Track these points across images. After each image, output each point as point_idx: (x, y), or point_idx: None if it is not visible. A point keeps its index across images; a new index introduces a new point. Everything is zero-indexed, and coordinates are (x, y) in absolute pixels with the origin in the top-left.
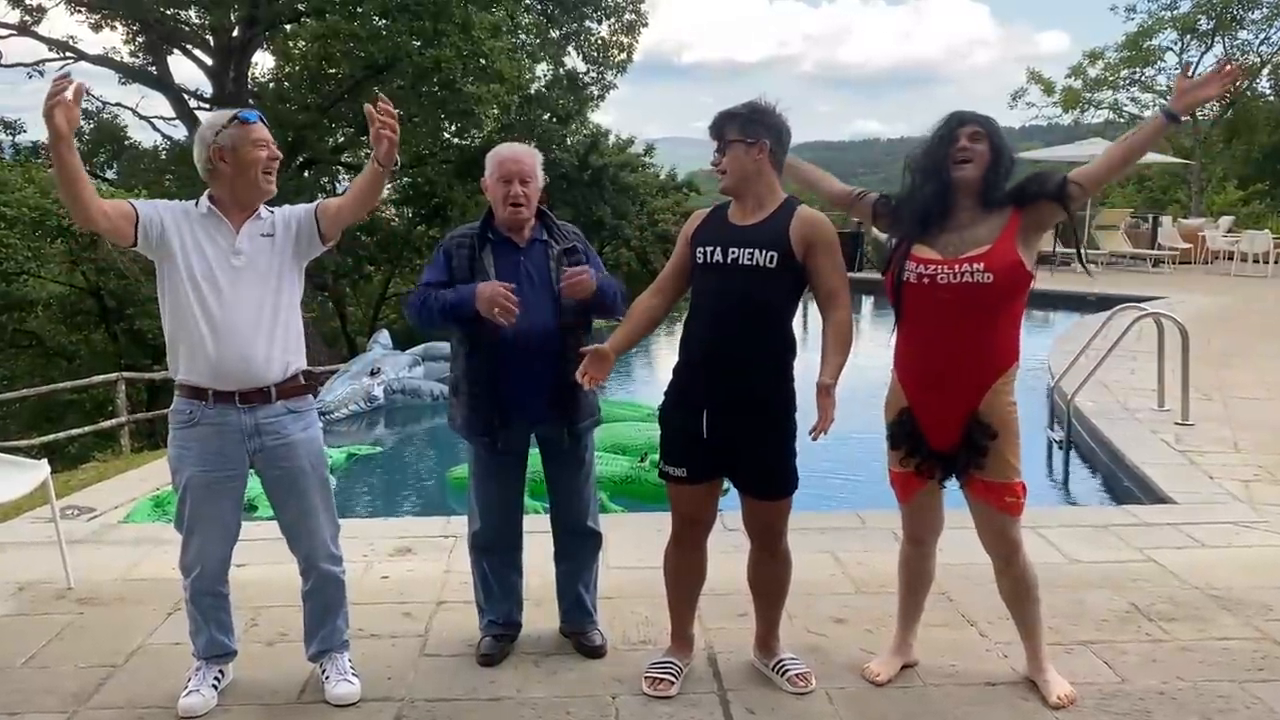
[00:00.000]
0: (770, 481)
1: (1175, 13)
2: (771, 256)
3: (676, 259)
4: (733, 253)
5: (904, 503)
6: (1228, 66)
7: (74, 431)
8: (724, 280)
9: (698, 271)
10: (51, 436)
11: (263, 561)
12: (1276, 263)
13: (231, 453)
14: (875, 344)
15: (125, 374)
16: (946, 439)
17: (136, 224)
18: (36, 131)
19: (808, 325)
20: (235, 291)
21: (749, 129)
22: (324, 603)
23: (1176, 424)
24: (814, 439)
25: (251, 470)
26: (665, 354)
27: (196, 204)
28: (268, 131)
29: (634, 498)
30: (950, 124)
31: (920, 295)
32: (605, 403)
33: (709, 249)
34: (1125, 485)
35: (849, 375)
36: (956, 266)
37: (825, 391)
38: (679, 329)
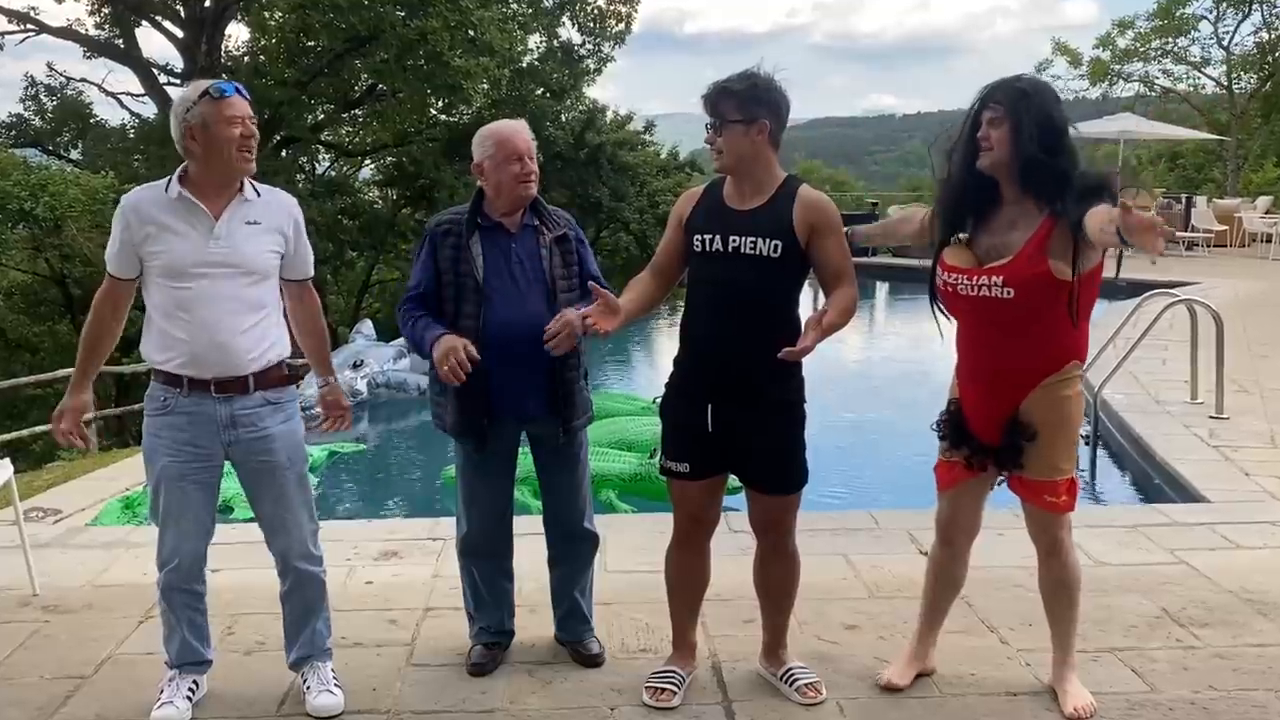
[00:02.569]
0: (779, 476)
1: None
2: (776, 245)
3: (670, 242)
4: (734, 241)
5: (943, 491)
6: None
7: (38, 429)
8: (725, 270)
9: (695, 260)
10: (14, 434)
11: (238, 566)
12: None
13: (206, 443)
14: (888, 332)
15: None
16: (990, 435)
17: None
18: None
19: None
20: (213, 278)
21: (748, 108)
22: (303, 604)
23: (1210, 418)
24: (781, 356)
25: (228, 463)
26: (666, 345)
27: (167, 189)
28: (246, 105)
29: (643, 496)
30: (975, 105)
31: (948, 301)
32: (603, 395)
33: (707, 237)
34: (1156, 483)
35: (856, 368)
36: (976, 278)
37: (812, 325)
38: (679, 317)
